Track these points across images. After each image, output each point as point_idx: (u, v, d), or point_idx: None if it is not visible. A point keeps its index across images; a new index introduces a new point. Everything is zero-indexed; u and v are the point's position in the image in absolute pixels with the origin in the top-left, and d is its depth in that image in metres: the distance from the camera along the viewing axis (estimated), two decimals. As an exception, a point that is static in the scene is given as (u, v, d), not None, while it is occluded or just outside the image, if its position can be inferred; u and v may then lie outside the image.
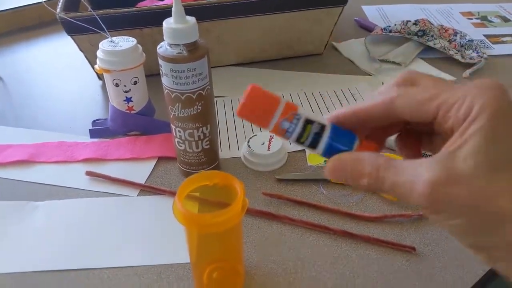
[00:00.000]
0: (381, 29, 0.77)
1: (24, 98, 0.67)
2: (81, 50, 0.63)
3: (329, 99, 0.63)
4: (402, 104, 0.25)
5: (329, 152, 0.27)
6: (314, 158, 0.52)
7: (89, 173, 0.51)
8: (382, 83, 0.66)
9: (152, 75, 0.58)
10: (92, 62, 0.65)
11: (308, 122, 0.27)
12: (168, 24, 0.40)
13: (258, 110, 0.28)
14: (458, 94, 0.23)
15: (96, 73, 0.68)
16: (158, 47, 0.42)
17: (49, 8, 0.53)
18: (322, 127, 0.27)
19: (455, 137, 0.23)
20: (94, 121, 0.60)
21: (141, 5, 0.69)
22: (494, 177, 0.22)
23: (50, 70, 0.75)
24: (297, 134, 0.27)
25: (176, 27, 0.40)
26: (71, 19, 0.55)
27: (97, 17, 0.52)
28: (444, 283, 0.38)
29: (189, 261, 0.40)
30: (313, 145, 0.27)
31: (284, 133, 0.27)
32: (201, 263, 0.39)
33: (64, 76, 0.73)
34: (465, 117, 0.22)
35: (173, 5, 0.40)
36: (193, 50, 0.41)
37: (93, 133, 0.57)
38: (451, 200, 0.22)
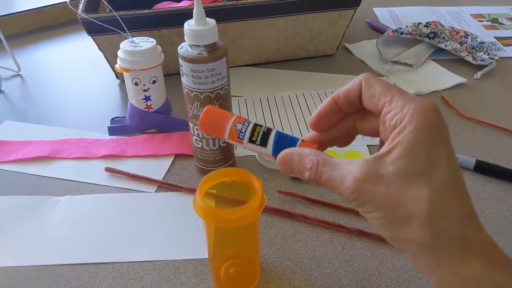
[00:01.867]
0: (393, 30, 0.78)
1: (44, 96, 0.69)
2: (100, 50, 0.64)
3: (342, 100, 0.64)
4: (364, 90, 0.29)
5: (277, 149, 0.31)
6: (328, 157, 0.53)
7: (108, 169, 0.52)
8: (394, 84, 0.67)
9: (169, 74, 0.59)
10: (111, 62, 0.67)
11: (257, 125, 0.32)
12: (189, 25, 0.42)
13: (214, 124, 0.33)
14: (400, 103, 0.26)
15: (115, 72, 0.70)
16: (179, 47, 0.43)
17: (73, 8, 0.55)
18: (269, 130, 0.32)
19: (387, 143, 0.27)
20: (112, 119, 0.61)
21: (158, 7, 0.70)
22: (409, 182, 0.25)
23: (69, 69, 0.76)
24: (249, 133, 0.32)
25: (197, 29, 0.41)
26: (93, 20, 0.56)
27: (118, 17, 0.53)
28: (457, 281, 0.39)
29: (206, 256, 0.41)
30: (264, 143, 0.31)
31: (238, 134, 0.32)
32: (219, 258, 0.40)
33: (82, 75, 0.74)
34: (394, 126, 0.26)
35: (195, 7, 0.41)
36: (213, 51, 0.43)
37: (112, 131, 0.59)
38: (371, 196, 0.26)
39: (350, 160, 0.27)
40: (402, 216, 0.25)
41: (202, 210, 0.34)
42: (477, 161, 0.50)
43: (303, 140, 0.32)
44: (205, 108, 0.33)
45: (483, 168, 0.50)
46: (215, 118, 0.33)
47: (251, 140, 0.32)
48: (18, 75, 0.75)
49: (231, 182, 0.37)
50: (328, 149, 0.54)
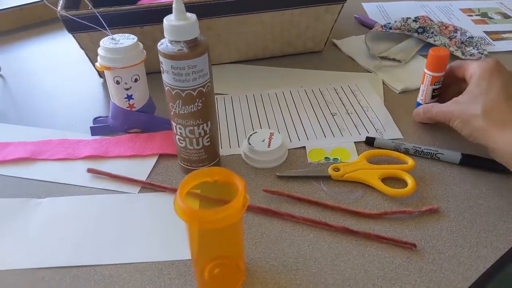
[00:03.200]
0: (381, 26, 0.77)
1: (25, 96, 0.67)
2: (82, 48, 0.63)
3: (329, 95, 0.63)
4: (453, 65, 0.54)
5: None
6: (314, 155, 0.52)
7: (90, 170, 0.51)
8: (383, 81, 0.66)
9: (152, 72, 0.58)
10: (93, 60, 0.65)
11: None
12: (168, 21, 0.40)
13: None
14: (472, 66, 0.49)
15: (97, 70, 0.68)
16: (158, 44, 0.42)
17: (50, 6, 0.53)
18: None
19: (466, 88, 0.49)
20: (95, 118, 0.60)
21: (141, 3, 0.69)
22: (473, 100, 0.47)
23: (51, 68, 0.75)
24: None
25: (177, 24, 0.40)
26: (72, 17, 0.55)
27: (98, 14, 0.52)
28: (445, 280, 0.38)
29: (190, 257, 0.40)
30: None
31: None
32: (202, 260, 0.39)
33: (64, 74, 0.73)
34: (470, 77, 0.49)
35: (174, 1, 0.40)
36: (194, 47, 0.41)
37: (94, 131, 0.58)
38: (453, 112, 0.49)
39: (446, 102, 0.51)
40: (470, 118, 0.46)
41: (183, 212, 0.33)
42: (462, 154, 0.50)
43: None
44: None
45: (468, 161, 0.50)
46: None
47: None
48: (-1, 75, 0.73)
49: (213, 182, 0.37)
50: (316, 147, 0.54)
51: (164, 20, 0.41)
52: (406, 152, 0.51)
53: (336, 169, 0.49)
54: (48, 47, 0.82)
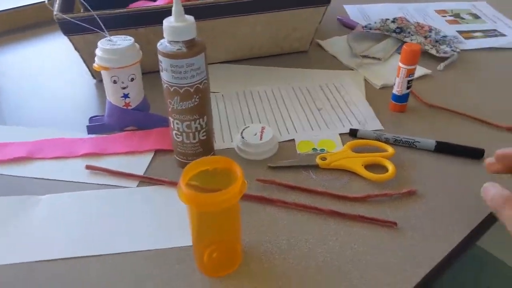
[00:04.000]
0: (362, 27, 0.81)
1: (20, 97, 0.69)
2: (76, 50, 0.65)
3: (315, 92, 0.67)
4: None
5: None
6: (303, 146, 0.56)
7: (89, 167, 0.53)
8: (364, 77, 0.71)
9: (146, 73, 0.61)
10: (87, 61, 0.67)
11: None
12: (168, 22, 0.44)
13: None
14: None
15: (91, 72, 0.70)
16: (158, 44, 0.45)
17: (50, 7, 0.55)
18: None
19: None
20: (91, 117, 0.62)
21: (134, 6, 0.72)
22: None
23: (46, 70, 0.76)
24: None
25: (176, 25, 0.43)
26: (70, 19, 0.57)
27: (96, 17, 0.55)
28: (423, 253, 0.42)
29: (189, 244, 0.43)
30: None
31: None
32: (202, 244, 0.42)
33: (59, 75, 0.75)
34: None
35: (174, 4, 0.43)
36: (192, 47, 0.45)
37: (91, 129, 0.60)
38: None
39: None
40: None
41: (185, 196, 0.36)
42: (437, 142, 0.54)
43: None
44: None
45: (442, 148, 0.54)
46: None
47: None
48: (-6, 77, 0.75)
49: (213, 170, 0.39)
50: (303, 139, 0.58)
51: (164, 21, 0.44)
52: (387, 141, 0.56)
53: (323, 159, 0.52)
54: (41, 50, 0.84)
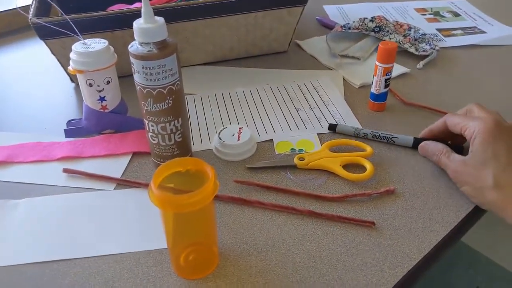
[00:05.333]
0: (341, 26, 0.81)
1: (-3, 102, 0.68)
2: (53, 54, 0.64)
3: (293, 92, 0.67)
4: (449, 122, 0.50)
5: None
6: (281, 147, 0.56)
7: (66, 170, 0.53)
8: (343, 77, 0.71)
9: (124, 76, 0.60)
10: (64, 65, 0.67)
11: None
12: (138, 24, 0.43)
13: None
14: (471, 123, 0.47)
15: (69, 75, 0.70)
16: (129, 46, 0.45)
17: (23, 13, 0.55)
18: None
19: (470, 149, 0.46)
20: (68, 121, 0.61)
21: (111, 9, 0.71)
22: (482, 166, 0.45)
23: (23, 75, 0.76)
24: None
25: (146, 27, 0.43)
26: (44, 23, 0.56)
27: (70, 21, 0.54)
28: (401, 253, 0.42)
29: (165, 247, 0.43)
30: None
31: None
32: (178, 247, 0.41)
33: (36, 80, 0.74)
34: (470, 137, 0.46)
35: (143, 6, 0.42)
36: (163, 48, 0.44)
37: (68, 133, 0.59)
38: (462, 175, 0.47)
39: (456, 158, 0.48)
40: (481, 188, 0.45)
41: (157, 199, 0.35)
42: (415, 138, 0.55)
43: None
44: None
45: (419, 144, 0.54)
46: None
47: None
48: (-31, 82, 0.74)
49: (186, 171, 0.39)
50: (281, 140, 0.57)
51: (134, 23, 0.43)
52: (365, 136, 0.56)
53: (301, 159, 0.52)
54: (18, 55, 0.83)
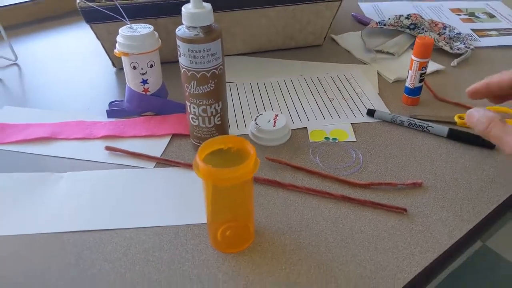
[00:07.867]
0: (376, 22, 0.82)
1: (41, 84, 0.71)
2: (98, 38, 0.67)
3: (326, 83, 0.68)
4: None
5: None
6: (315, 135, 0.57)
7: (108, 148, 0.55)
8: (377, 71, 0.72)
9: (165, 62, 0.63)
10: (108, 50, 0.70)
11: None
12: (187, 9, 0.45)
13: None
14: None
15: (112, 60, 0.73)
16: (177, 30, 0.47)
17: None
18: None
19: None
20: (110, 102, 0.64)
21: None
22: None
23: (66, 59, 0.79)
24: None
25: (195, 12, 0.45)
26: (93, 7, 0.59)
27: (118, 5, 0.57)
28: (432, 238, 0.43)
29: (203, 221, 0.45)
30: None
31: None
32: (216, 222, 0.43)
33: (80, 63, 0.77)
34: None
35: (192, -9, 0.44)
36: (209, 33, 0.46)
37: (110, 114, 0.62)
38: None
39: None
40: None
41: (202, 171, 0.37)
42: (450, 128, 0.56)
43: None
44: None
45: (455, 135, 0.55)
46: None
47: None
48: (15, 64, 0.77)
49: (227, 149, 0.41)
50: (315, 128, 0.59)
51: (183, 8, 0.45)
52: (401, 124, 0.57)
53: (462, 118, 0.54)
54: (62, 39, 0.86)
